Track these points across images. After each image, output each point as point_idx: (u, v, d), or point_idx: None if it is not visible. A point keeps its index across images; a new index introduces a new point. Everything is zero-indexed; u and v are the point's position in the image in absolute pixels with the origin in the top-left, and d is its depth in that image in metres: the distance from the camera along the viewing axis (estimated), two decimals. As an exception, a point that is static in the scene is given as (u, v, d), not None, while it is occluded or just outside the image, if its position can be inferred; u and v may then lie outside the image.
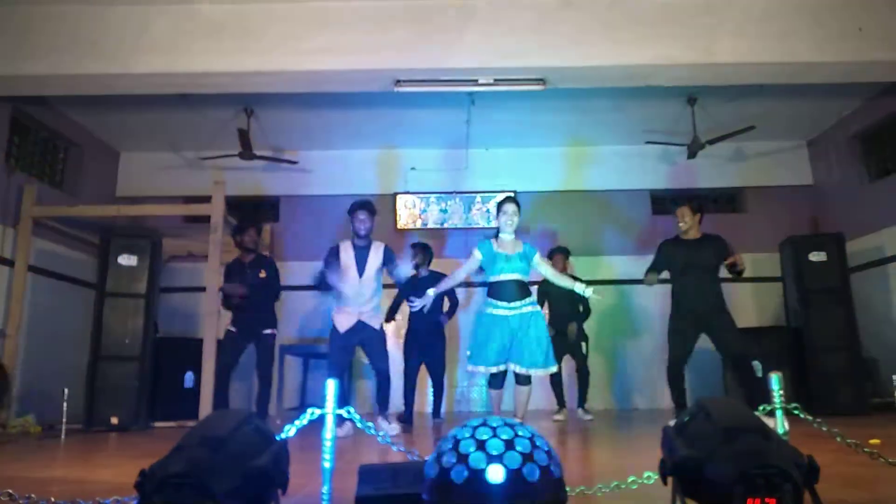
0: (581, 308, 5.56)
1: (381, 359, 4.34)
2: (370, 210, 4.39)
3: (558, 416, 5.36)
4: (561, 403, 5.52)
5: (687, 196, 5.41)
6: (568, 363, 5.63)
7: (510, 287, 3.80)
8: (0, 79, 4.53)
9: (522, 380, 3.84)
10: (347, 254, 4.33)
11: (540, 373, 3.80)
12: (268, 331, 4.91)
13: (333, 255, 4.35)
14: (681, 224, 4.59)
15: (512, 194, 4.16)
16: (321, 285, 4.31)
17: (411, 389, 5.15)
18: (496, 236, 3.94)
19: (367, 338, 4.34)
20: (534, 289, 4.29)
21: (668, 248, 4.61)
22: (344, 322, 4.30)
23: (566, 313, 5.48)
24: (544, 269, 4.00)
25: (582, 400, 5.59)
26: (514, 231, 3.89)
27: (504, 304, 3.78)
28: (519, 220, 3.91)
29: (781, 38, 4.46)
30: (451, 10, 4.50)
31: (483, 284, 4.38)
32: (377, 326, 4.36)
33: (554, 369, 3.90)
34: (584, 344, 5.61)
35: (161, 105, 5.91)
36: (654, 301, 6.65)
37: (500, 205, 4.00)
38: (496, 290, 3.84)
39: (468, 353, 3.92)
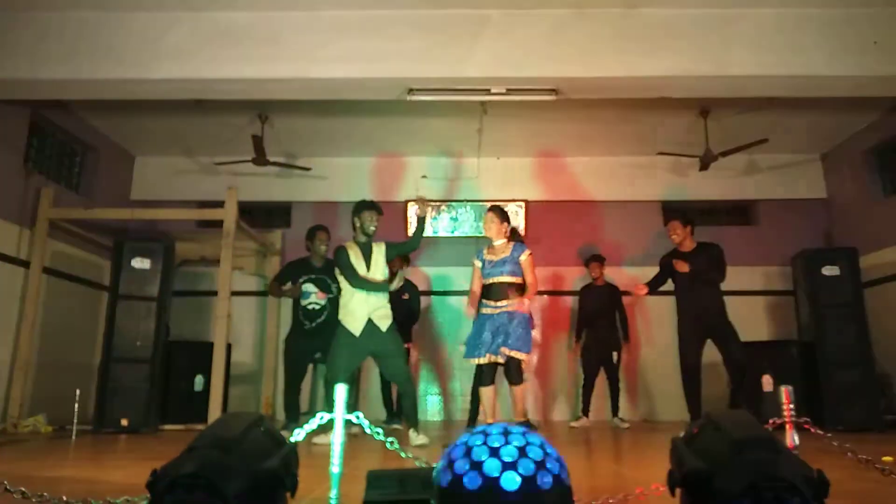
0: (620, 333, 5.83)
1: (400, 362, 4.19)
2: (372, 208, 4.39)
3: (575, 423, 5.35)
4: (584, 411, 5.52)
5: (681, 210, 5.63)
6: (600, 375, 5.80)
7: (497, 288, 4.11)
8: (20, 83, 4.60)
9: (513, 375, 3.97)
10: (354, 251, 4.27)
11: (520, 355, 3.97)
12: (405, 345, 5.36)
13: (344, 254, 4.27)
14: (673, 237, 4.85)
15: (498, 204, 4.41)
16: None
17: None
18: (490, 245, 4.26)
19: (381, 346, 4.15)
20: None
21: (667, 261, 4.88)
22: (355, 323, 4.14)
23: (607, 338, 5.75)
24: (525, 268, 4.15)
25: (615, 408, 5.71)
26: (499, 236, 4.18)
27: (491, 303, 4.10)
28: (500, 226, 4.19)
29: (795, 51, 4.45)
30: (465, 20, 4.53)
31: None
32: (384, 328, 4.16)
33: (525, 355, 4.03)
34: (615, 354, 5.78)
35: (177, 110, 5.98)
36: (662, 313, 6.62)
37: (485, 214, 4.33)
38: (486, 292, 4.17)
39: (461, 347, 4.26)
